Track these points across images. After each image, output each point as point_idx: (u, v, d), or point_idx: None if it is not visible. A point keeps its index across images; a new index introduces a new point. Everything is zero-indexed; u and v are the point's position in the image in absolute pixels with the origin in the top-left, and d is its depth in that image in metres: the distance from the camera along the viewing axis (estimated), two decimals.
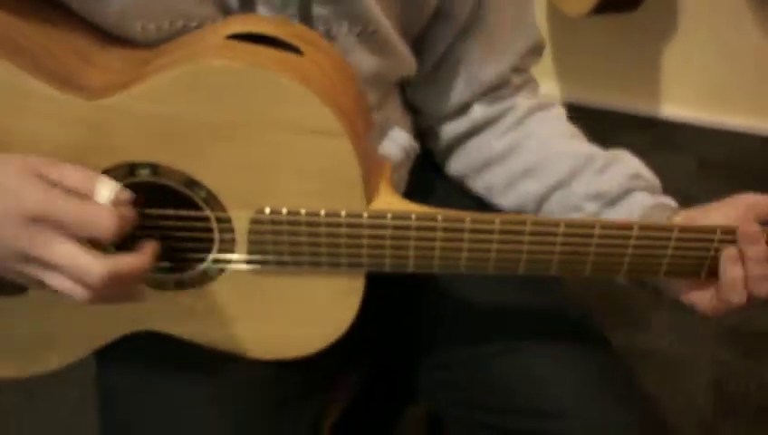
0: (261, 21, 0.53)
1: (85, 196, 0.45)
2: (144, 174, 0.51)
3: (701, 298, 0.57)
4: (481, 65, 0.64)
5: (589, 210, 0.62)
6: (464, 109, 0.67)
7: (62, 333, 0.58)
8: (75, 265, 0.44)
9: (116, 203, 0.45)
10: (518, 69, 0.66)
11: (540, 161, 0.65)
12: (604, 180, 0.62)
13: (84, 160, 0.50)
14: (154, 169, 0.50)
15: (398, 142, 0.65)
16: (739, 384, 1.20)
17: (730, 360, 1.23)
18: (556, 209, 0.65)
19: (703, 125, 1.72)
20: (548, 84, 1.78)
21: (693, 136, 1.69)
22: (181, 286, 0.55)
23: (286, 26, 0.52)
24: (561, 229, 0.52)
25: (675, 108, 1.74)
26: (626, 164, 0.63)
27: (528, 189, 0.65)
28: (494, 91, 0.66)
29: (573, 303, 0.66)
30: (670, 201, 0.61)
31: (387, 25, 0.57)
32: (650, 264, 0.54)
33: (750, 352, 1.24)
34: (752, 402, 1.18)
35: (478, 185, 0.69)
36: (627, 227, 0.53)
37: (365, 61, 0.57)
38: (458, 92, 0.66)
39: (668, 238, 0.53)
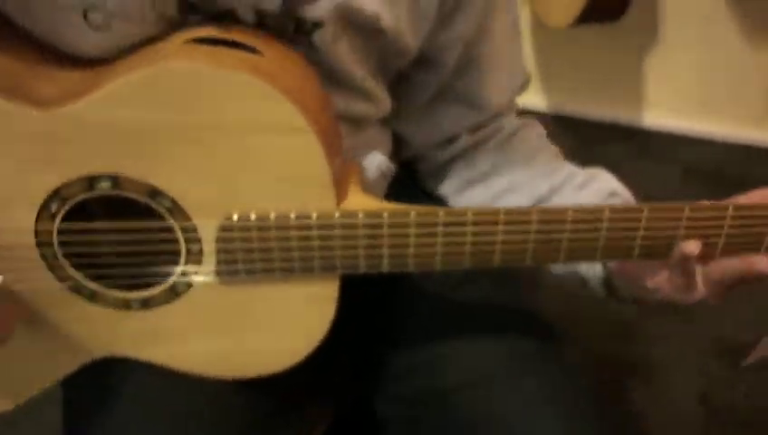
0: (218, 27, 0.52)
1: None
2: (104, 187, 0.49)
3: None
4: (472, 106, 0.65)
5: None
6: (451, 140, 0.68)
7: (18, 370, 0.55)
8: None
9: None
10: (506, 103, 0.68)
11: (521, 181, 0.66)
12: (582, 196, 0.63)
13: (37, 175, 0.47)
14: (114, 181, 0.48)
15: (374, 164, 0.65)
16: (726, 397, 1.19)
17: (717, 371, 1.23)
18: None
19: (686, 134, 1.74)
20: (533, 96, 1.79)
21: (676, 145, 1.71)
22: (147, 305, 0.53)
23: (244, 31, 0.51)
24: (535, 217, 0.52)
25: (658, 117, 1.76)
26: (604, 182, 0.64)
27: (509, 204, 0.66)
28: (483, 123, 0.67)
29: (542, 324, 0.66)
30: None
31: (361, 75, 0.58)
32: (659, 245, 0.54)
33: (737, 363, 1.23)
34: (740, 415, 1.18)
35: (461, 203, 0.70)
36: (598, 210, 0.53)
37: (338, 102, 0.57)
38: (447, 128, 0.67)
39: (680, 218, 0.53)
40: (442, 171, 0.70)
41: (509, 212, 0.52)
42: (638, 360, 1.18)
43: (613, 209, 0.53)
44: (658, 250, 0.55)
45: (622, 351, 1.20)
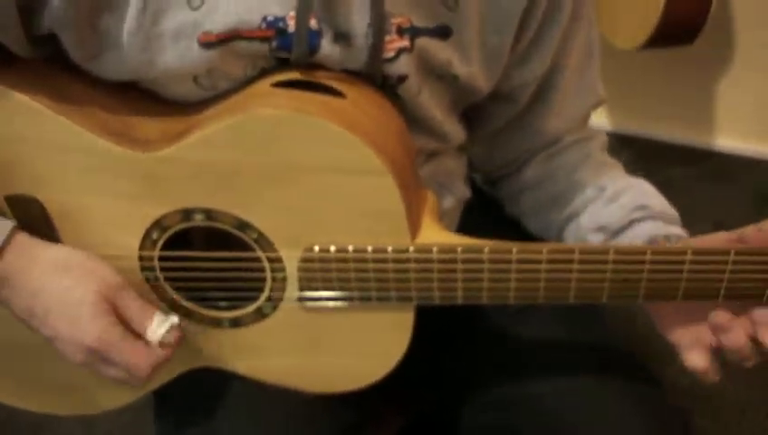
0: (304, 70, 0.54)
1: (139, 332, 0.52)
2: (199, 219, 0.53)
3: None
4: (540, 131, 0.66)
5: (595, 241, 0.63)
6: (519, 165, 0.69)
7: None
8: (124, 369, 0.52)
9: (163, 343, 0.52)
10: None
11: (562, 192, 0.66)
12: (608, 212, 0.62)
13: (141, 208, 0.52)
14: (208, 213, 0.53)
15: (453, 193, 0.66)
16: None
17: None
18: (570, 240, 0.66)
19: (759, 157, 1.67)
20: (600, 116, 1.76)
21: (749, 169, 1.63)
22: (236, 324, 0.57)
23: (328, 73, 0.53)
24: (611, 256, 0.52)
25: (731, 140, 1.69)
26: (635, 195, 0.63)
27: (551, 218, 0.67)
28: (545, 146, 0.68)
29: (618, 340, 0.65)
30: (681, 232, 0.60)
31: (440, 120, 0.60)
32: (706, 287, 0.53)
33: None
34: None
35: (514, 210, 0.71)
36: (681, 252, 0.52)
37: (417, 141, 0.59)
38: (515, 153, 0.68)
39: (726, 262, 0.51)
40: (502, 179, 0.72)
41: (584, 251, 0.52)
42: (707, 391, 1.12)
43: (696, 251, 0.51)
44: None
45: (688, 380, 1.12)
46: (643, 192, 0.63)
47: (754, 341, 0.51)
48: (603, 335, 0.65)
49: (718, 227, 0.52)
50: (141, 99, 0.55)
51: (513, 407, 0.62)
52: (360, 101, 0.52)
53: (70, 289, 0.50)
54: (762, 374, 1.16)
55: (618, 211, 0.62)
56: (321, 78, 0.52)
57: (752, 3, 1.51)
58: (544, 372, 0.62)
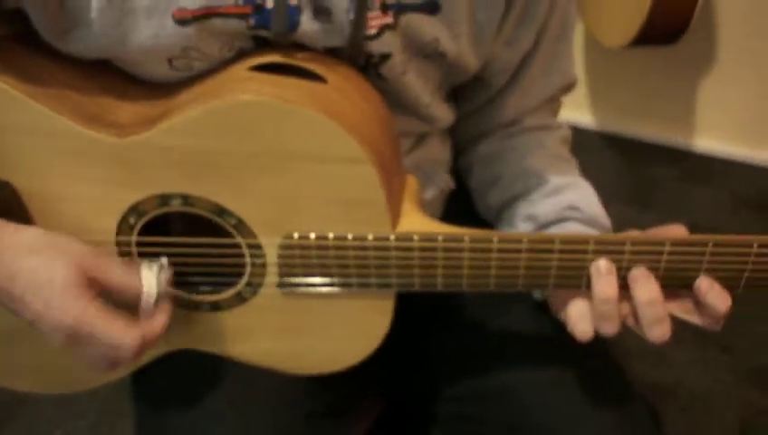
0: (283, 52, 0.53)
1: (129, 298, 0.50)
2: (176, 204, 0.52)
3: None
4: (504, 106, 0.65)
5: (523, 230, 0.63)
6: (476, 139, 0.69)
7: None
8: (108, 347, 0.49)
9: (159, 301, 0.50)
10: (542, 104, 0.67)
11: (507, 174, 0.66)
12: (543, 204, 0.63)
13: (117, 193, 0.51)
14: (185, 199, 0.52)
15: (436, 184, 0.66)
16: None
17: (757, 400, 1.17)
18: (503, 224, 0.66)
19: (738, 160, 1.68)
20: (582, 113, 1.76)
21: (727, 170, 1.64)
22: (216, 308, 0.57)
23: (308, 55, 0.52)
24: (591, 247, 0.52)
25: (710, 141, 1.70)
26: (572, 195, 0.63)
27: (492, 199, 0.67)
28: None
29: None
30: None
31: (426, 101, 0.59)
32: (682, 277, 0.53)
33: None
34: None
35: (470, 183, 0.71)
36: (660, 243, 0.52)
37: (402, 124, 0.58)
38: (475, 128, 0.68)
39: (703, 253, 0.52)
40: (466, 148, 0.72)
41: (565, 241, 0.52)
42: (674, 386, 1.15)
43: (674, 242, 0.52)
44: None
45: (656, 375, 1.16)
46: (582, 194, 0.64)
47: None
48: None
49: (694, 228, 0.53)
50: (117, 81, 0.53)
51: (488, 399, 0.63)
52: (343, 86, 0.51)
53: (39, 270, 0.48)
54: (727, 367, 1.20)
55: (551, 206, 0.62)
56: (302, 61, 0.51)
57: (736, 5, 1.51)
58: (521, 365, 0.63)
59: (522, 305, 0.65)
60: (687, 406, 1.14)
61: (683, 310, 0.55)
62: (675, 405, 1.13)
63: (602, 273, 0.52)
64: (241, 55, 0.52)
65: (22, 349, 0.60)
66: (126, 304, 0.50)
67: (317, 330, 0.58)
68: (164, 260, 0.51)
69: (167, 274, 0.51)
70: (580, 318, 0.53)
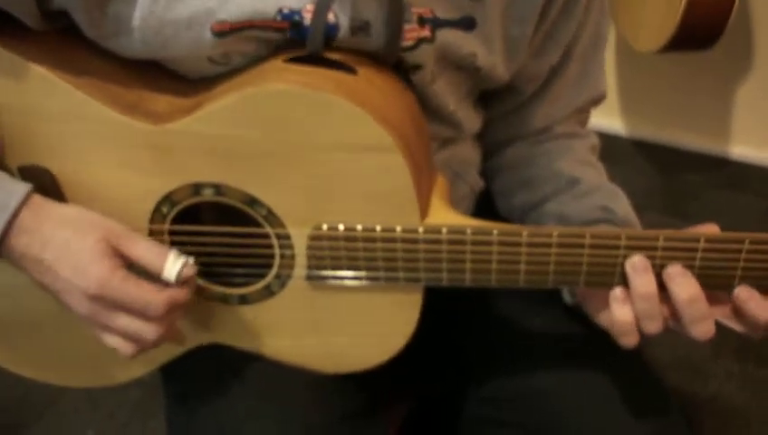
0: None
1: (152, 272, 0.51)
2: (208, 194, 0.53)
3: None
4: (534, 115, 0.66)
5: None
6: (504, 145, 0.69)
7: None
8: (136, 311, 0.50)
9: (180, 280, 0.51)
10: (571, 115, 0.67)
11: (536, 176, 0.65)
12: (575, 206, 0.62)
13: (151, 181, 0.53)
14: (217, 188, 0.53)
15: (467, 182, 0.66)
16: None
17: None
18: (529, 224, 0.65)
19: None
20: (615, 120, 1.74)
21: (764, 177, 1.61)
22: (245, 301, 0.57)
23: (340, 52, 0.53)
24: (623, 242, 0.51)
25: (746, 148, 1.67)
26: (603, 196, 0.62)
27: (519, 201, 0.67)
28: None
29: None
30: None
31: (453, 109, 0.59)
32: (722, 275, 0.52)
33: None
34: None
35: (495, 186, 0.71)
36: (695, 239, 0.51)
37: (429, 128, 0.59)
38: (504, 135, 0.68)
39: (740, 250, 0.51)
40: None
41: (596, 235, 0.51)
42: (711, 399, 1.11)
43: (708, 239, 0.51)
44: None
45: (693, 388, 1.11)
46: (613, 196, 0.63)
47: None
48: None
49: None
50: (156, 72, 0.55)
51: (517, 400, 0.62)
52: (374, 78, 0.52)
53: (71, 240, 0.50)
54: (766, 381, 1.16)
55: (583, 207, 0.62)
56: (334, 54, 0.52)
57: None
58: (553, 369, 0.62)
59: (555, 308, 0.64)
60: (725, 420, 1.10)
61: (722, 314, 0.53)
62: (712, 419, 1.10)
63: (639, 269, 0.51)
64: (278, 50, 0.53)
65: (48, 338, 0.61)
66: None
67: (345, 326, 0.58)
68: (191, 260, 0.52)
69: (188, 271, 0.51)
70: (623, 322, 0.52)
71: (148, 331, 0.50)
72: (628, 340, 0.52)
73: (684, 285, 0.50)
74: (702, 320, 0.50)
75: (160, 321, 0.50)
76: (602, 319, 0.55)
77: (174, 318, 0.52)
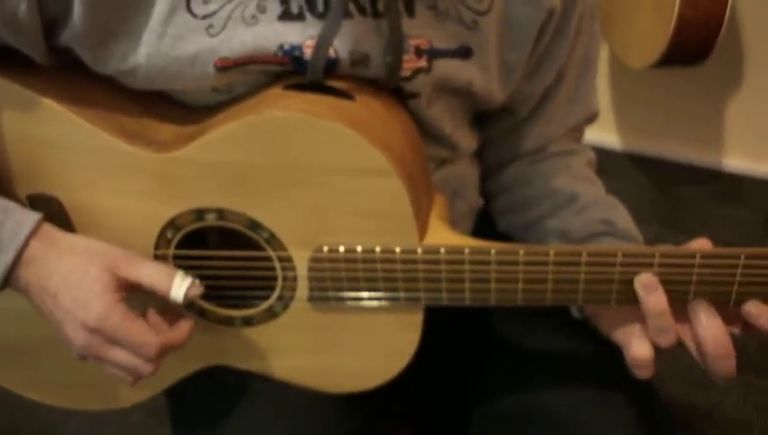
0: None
1: (159, 293, 0.51)
2: (211, 218, 0.54)
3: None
4: (528, 136, 0.67)
5: None
6: (500, 167, 0.70)
7: None
8: (130, 348, 0.51)
9: (187, 300, 0.52)
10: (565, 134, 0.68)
11: (535, 196, 0.66)
12: (575, 221, 0.63)
13: (156, 208, 0.54)
14: (220, 213, 0.54)
15: (466, 199, 0.67)
16: None
17: None
18: (531, 241, 0.66)
19: None
20: (609, 135, 1.75)
21: (759, 190, 1.61)
22: (249, 323, 0.58)
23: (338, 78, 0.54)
24: (619, 259, 0.52)
25: (740, 160, 1.68)
26: (603, 210, 0.63)
27: (518, 220, 0.68)
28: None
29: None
30: None
31: (449, 132, 0.61)
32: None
33: None
34: None
35: (494, 207, 0.72)
36: (690, 255, 0.52)
37: (426, 148, 0.60)
38: (499, 157, 0.70)
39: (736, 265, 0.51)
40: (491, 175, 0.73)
41: (593, 253, 0.52)
42: (711, 411, 1.11)
43: (704, 255, 0.51)
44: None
45: (693, 400, 1.12)
46: (612, 208, 0.64)
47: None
48: (611, 346, 0.65)
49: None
50: (158, 102, 0.56)
51: (522, 419, 0.62)
52: (371, 104, 0.53)
53: (74, 271, 0.51)
54: (766, 393, 1.16)
55: (583, 222, 0.62)
56: (332, 81, 0.53)
57: (763, 24, 1.50)
58: (555, 385, 0.62)
59: (560, 324, 0.64)
60: (726, 432, 1.10)
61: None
62: (713, 431, 1.10)
63: (650, 287, 0.51)
64: (278, 77, 0.55)
65: (54, 362, 0.62)
66: (157, 306, 0.52)
67: (347, 347, 0.58)
68: (197, 281, 0.52)
69: (195, 291, 0.52)
70: (644, 358, 0.53)
71: (142, 368, 0.52)
72: (645, 373, 0.53)
73: (709, 323, 0.51)
74: (727, 356, 0.51)
75: (153, 361, 0.51)
76: (617, 337, 0.56)
77: (169, 353, 0.53)
